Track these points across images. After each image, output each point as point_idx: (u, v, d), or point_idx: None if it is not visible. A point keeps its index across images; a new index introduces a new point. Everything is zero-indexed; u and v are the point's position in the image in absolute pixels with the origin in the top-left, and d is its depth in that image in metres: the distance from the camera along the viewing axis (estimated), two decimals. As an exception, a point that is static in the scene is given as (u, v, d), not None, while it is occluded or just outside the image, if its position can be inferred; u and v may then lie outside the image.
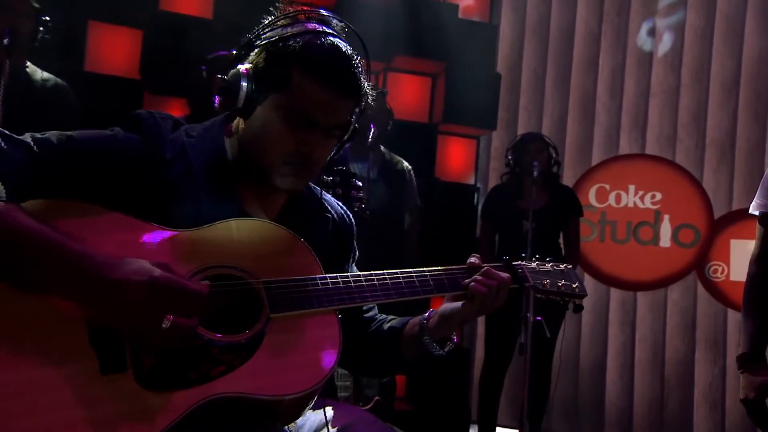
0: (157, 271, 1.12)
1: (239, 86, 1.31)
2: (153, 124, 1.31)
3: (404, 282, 1.39)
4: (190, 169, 1.31)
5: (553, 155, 4.10)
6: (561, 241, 4.12)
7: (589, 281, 5.07)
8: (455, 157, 5.06)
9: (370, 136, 3.29)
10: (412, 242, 3.99)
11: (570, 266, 1.54)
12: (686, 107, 5.17)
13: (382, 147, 3.81)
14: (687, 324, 5.04)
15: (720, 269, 4.88)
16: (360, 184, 2.26)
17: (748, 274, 2.01)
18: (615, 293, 5.13)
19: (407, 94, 4.91)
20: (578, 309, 1.49)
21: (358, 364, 1.56)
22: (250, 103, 1.32)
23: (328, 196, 1.59)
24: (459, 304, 1.40)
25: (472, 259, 1.44)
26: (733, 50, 5.15)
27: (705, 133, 5.15)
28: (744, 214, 4.82)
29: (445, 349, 1.44)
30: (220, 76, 1.34)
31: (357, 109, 1.39)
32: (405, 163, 3.89)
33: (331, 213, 1.53)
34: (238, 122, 1.40)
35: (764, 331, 1.93)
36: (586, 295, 1.49)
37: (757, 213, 2.03)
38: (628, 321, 5.11)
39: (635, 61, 5.26)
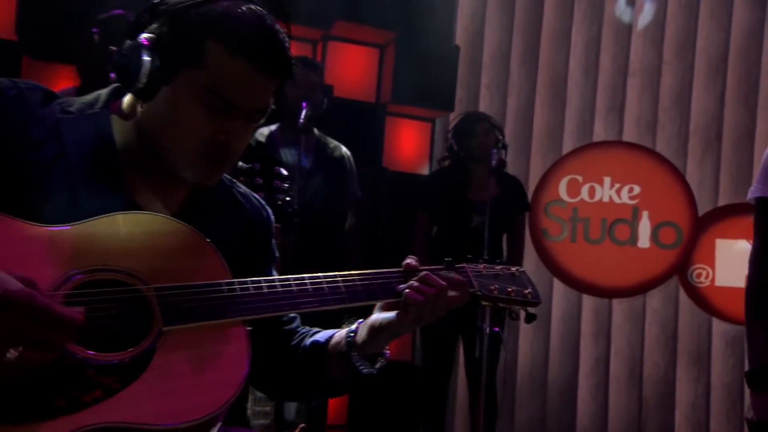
0: (14, 284, 1.05)
1: (140, 62, 1.26)
2: (15, 96, 1.26)
3: (328, 288, 1.37)
4: (65, 153, 1.27)
5: (500, 138, 4.14)
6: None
7: (558, 286, 5.15)
8: (406, 142, 5.07)
9: (302, 117, 3.24)
10: (353, 242, 3.96)
11: (522, 269, 1.55)
12: (668, 88, 5.29)
13: (316, 130, 3.76)
14: (668, 336, 5.16)
15: (704, 273, 5.00)
16: (285, 173, 2.23)
17: (748, 277, 1.93)
18: (588, 300, 5.22)
19: (350, 68, 4.89)
20: (530, 319, 1.51)
21: (276, 385, 1.55)
22: (153, 82, 1.27)
23: (242, 187, 1.56)
24: (393, 313, 1.40)
25: (408, 260, 1.43)
26: (721, 23, 5.28)
27: (689, 118, 5.27)
28: (731, 210, 4.95)
29: (377, 367, 1.44)
30: (115, 49, 1.29)
31: (278, 90, 1.37)
32: (343, 149, 3.85)
33: (244, 207, 1.50)
34: (135, 102, 1.36)
35: None
36: (539, 303, 1.50)
37: (759, 196, 1.91)
38: (603, 332, 5.21)
39: (612, 34, 5.35)
